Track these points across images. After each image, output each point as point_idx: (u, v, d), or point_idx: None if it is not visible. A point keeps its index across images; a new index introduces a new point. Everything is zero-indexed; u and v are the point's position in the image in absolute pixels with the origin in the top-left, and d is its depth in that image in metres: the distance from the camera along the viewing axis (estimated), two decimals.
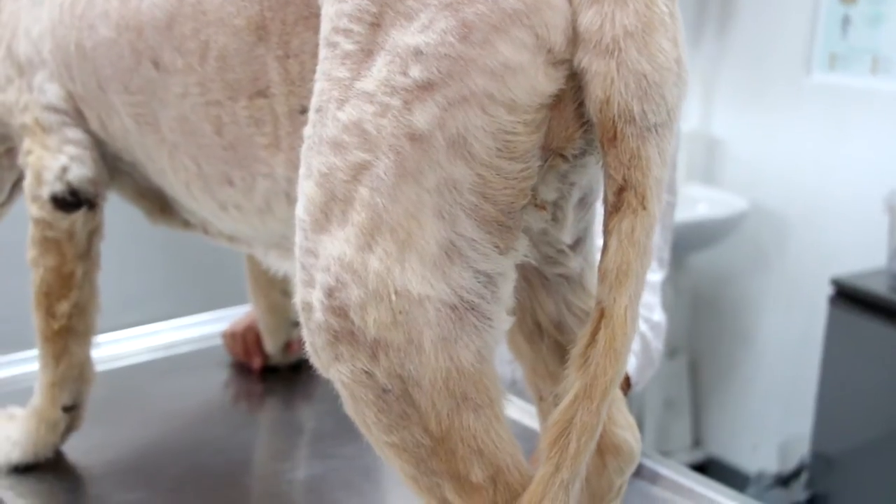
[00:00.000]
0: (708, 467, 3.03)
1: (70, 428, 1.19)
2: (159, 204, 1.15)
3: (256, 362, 1.48)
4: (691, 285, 3.05)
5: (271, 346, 1.48)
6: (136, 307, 1.51)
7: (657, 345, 1.38)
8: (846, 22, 2.67)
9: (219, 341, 1.54)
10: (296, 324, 1.46)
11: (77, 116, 1.10)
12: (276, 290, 1.43)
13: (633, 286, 0.67)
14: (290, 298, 1.43)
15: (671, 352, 2.93)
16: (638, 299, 0.68)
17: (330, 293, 0.70)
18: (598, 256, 0.74)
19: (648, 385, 2.51)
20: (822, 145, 2.72)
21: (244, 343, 1.49)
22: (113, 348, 1.48)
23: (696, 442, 3.13)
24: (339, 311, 0.69)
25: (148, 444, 1.26)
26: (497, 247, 0.68)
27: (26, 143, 1.11)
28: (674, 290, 2.83)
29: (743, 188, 2.89)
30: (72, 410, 1.17)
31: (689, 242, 2.71)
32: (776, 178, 2.84)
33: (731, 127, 2.92)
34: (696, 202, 2.84)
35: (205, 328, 1.61)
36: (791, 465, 2.66)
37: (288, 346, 1.48)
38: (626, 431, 0.86)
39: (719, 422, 3.10)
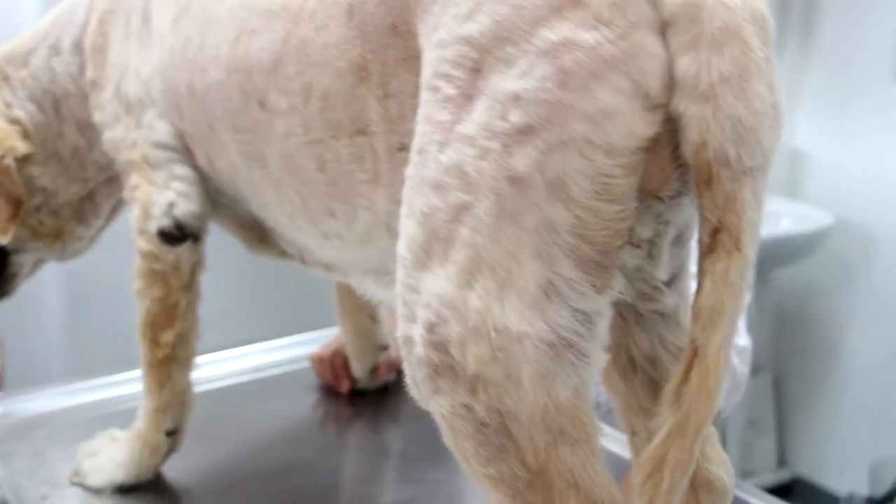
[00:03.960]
0: (794, 488, 2.99)
1: (171, 451, 1.23)
2: (258, 234, 1.19)
3: (344, 385, 1.51)
4: (775, 301, 3.01)
5: (359, 369, 1.51)
6: (224, 330, 1.54)
7: (743, 369, 1.38)
8: None
9: (307, 364, 1.58)
10: (383, 348, 1.50)
11: (185, 153, 1.14)
12: (364, 315, 1.46)
13: (727, 326, 0.68)
14: (377, 323, 1.48)
15: (755, 369, 2.89)
16: (731, 339, 0.69)
17: (431, 328, 0.72)
18: (693, 283, 0.76)
19: (734, 407, 2.48)
20: None
21: (332, 367, 1.52)
22: (203, 371, 1.51)
23: (782, 461, 3.08)
24: (439, 346, 0.72)
25: (241, 466, 1.30)
26: (594, 286, 0.70)
27: (133, 179, 1.16)
28: (757, 306, 2.79)
29: (828, 202, 2.84)
30: (173, 434, 1.22)
31: (772, 258, 2.68)
32: (862, 191, 2.79)
33: (815, 138, 2.88)
34: (780, 217, 2.81)
35: (293, 351, 1.64)
36: (884, 488, 2.60)
37: (375, 370, 1.51)
38: (720, 468, 0.87)
39: (806, 441, 3.05)
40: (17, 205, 1.21)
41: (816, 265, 2.89)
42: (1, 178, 1.21)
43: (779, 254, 2.73)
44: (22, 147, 1.22)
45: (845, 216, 2.81)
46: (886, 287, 2.76)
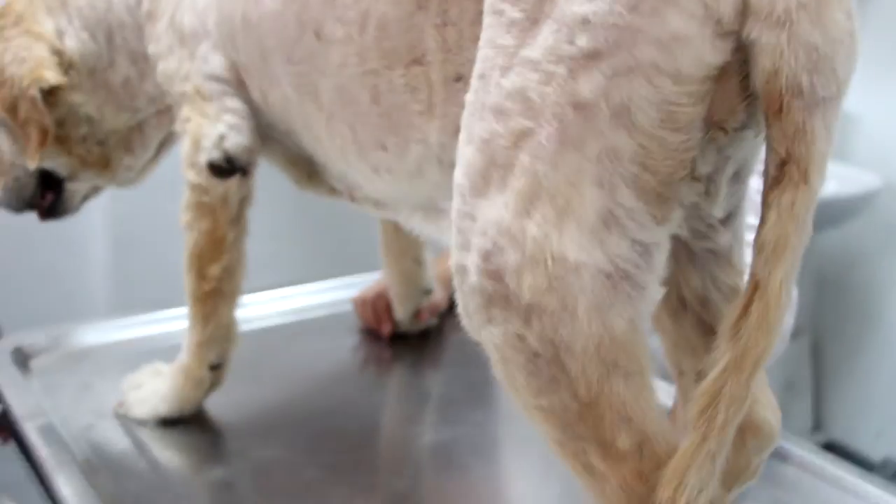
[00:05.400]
0: (828, 451, 2.97)
1: (213, 385, 1.24)
2: (307, 171, 1.18)
3: (386, 329, 1.51)
4: (817, 265, 2.97)
5: (401, 313, 1.50)
6: (269, 271, 1.54)
7: (789, 319, 1.36)
8: None
9: (349, 307, 1.58)
10: (427, 292, 1.49)
11: (238, 86, 1.14)
12: (408, 258, 1.46)
13: (790, 260, 0.67)
14: (422, 267, 1.47)
15: (793, 332, 2.87)
16: (793, 274, 0.68)
17: (486, 257, 0.71)
18: (748, 237, 0.75)
19: (772, 363, 2.47)
20: None
21: (374, 310, 1.52)
22: (248, 311, 1.52)
23: (817, 425, 3.06)
24: (494, 274, 0.71)
25: (283, 404, 1.31)
26: (654, 217, 0.69)
27: (185, 111, 1.16)
28: (798, 268, 2.76)
29: (876, 165, 2.79)
30: (216, 369, 1.23)
31: (816, 221, 2.63)
32: None
33: (866, 101, 2.81)
34: (826, 179, 2.76)
35: (336, 293, 1.64)
36: None
37: (417, 313, 1.50)
38: (768, 411, 0.87)
39: (842, 406, 3.02)
40: (43, 133, 1.23)
41: (861, 229, 2.85)
42: (27, 107, 1.22)
43: (822, 216, 2.62)
44: (52, 78, 1.23)
45: (893, 180, 2.76)
46: None
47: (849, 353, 3.00)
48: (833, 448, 3.00)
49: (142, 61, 1.25)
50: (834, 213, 2.72)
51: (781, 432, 1.20)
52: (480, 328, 0.74)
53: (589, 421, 0.71)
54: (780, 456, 1.19)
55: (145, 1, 1.21)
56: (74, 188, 1.36)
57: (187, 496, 1.10)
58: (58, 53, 1.25)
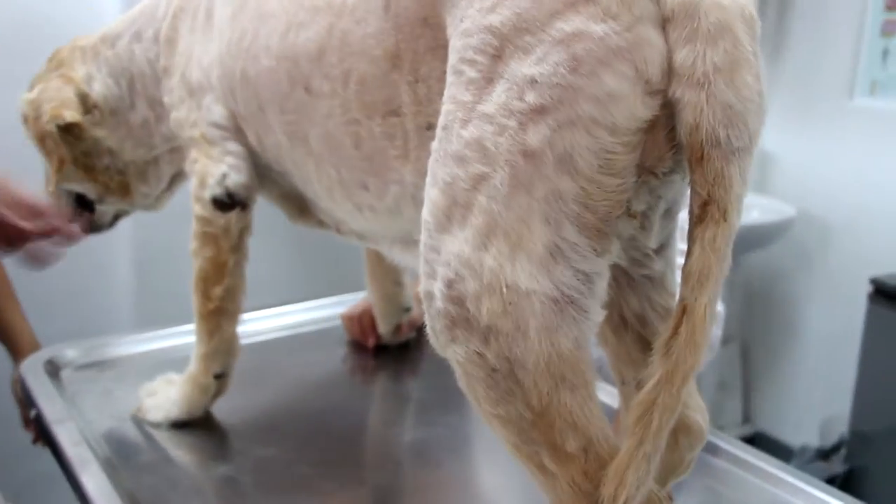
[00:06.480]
0: (756, 441, 2.97)
1: (218, 392, 1.22)
2: (299, 206, 1.17)
3: (371, 341, 1.50)
4: (744, 281, 2.99)
5: (384, 327, 1.49)
6: (267, 292, 1.53)
7: (717, 332, 1.36)
8: (886, 53, 2.58)
9: (338, 322, 1.56)
10: (406, 310, 1.48)
11: (237, 132, 1.12)
12: (389, 280, 1.45)
13: (713, 287, 0.66)
14: (401, 287, 1.46)
15: (725, 339, 2.87)
16: (716, 299, 0.67)
17: (449, 284, 0.70)
18: (679, 260, 0.74)
19: (706, 368, 2.47)
20: (863, 161, 2.64)
21: (360, 325, 1.50)
22: (249, 326, 1.50)
23: (746, 418, 3.06)
24: (456, 300, 0.70)
25: (280, 408, 1.29)
26: (595, 250, 0.68)
27: (193, 153, 1.15)
28: (729, 285, 2.77)
29: (791, 197, 2.82)
30: (220, 378, 1.21)
31: (742, 244, 2.62)
32: (822, 188, 2.76)
33: (783, 143, 2.85)
34: (750, 209, 2.78)
35: (326, 311, 1.63)
36: (831, 440, 2.59)
37: (398, 328, 1.49)
38: (698, 414, 0.85)
39: (767, 401, 3.03)
40: (60, 161, 1.26)
41: (780, 251, 2.87)
42: (47, 139, 1.24)
43: (748, 240, 2.70)
44: (68, 116, 1.24)
45: (806, 210, 2.78)
46: (839, 272, 2.74)
47: (772, 356, 3.00)
48: (759, 437, 3.00)
49: (158, 106, 1.25)
50: (757, 238, 2.73)
51: (711, 428, 1.20)
52: (446, 346, 0.73)
53: (541, 427, 0.70)
54: (710, 450, 1.17)
55: (162, 58, 1.20)
56: (103, 209, 1.38)
57: (196, 489, 1.07)
58: (82, 95, 1.26)
